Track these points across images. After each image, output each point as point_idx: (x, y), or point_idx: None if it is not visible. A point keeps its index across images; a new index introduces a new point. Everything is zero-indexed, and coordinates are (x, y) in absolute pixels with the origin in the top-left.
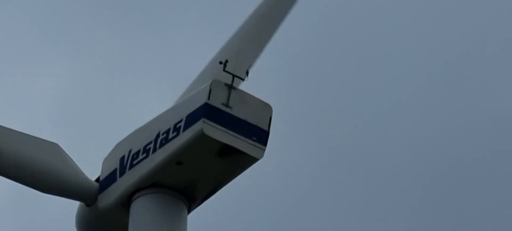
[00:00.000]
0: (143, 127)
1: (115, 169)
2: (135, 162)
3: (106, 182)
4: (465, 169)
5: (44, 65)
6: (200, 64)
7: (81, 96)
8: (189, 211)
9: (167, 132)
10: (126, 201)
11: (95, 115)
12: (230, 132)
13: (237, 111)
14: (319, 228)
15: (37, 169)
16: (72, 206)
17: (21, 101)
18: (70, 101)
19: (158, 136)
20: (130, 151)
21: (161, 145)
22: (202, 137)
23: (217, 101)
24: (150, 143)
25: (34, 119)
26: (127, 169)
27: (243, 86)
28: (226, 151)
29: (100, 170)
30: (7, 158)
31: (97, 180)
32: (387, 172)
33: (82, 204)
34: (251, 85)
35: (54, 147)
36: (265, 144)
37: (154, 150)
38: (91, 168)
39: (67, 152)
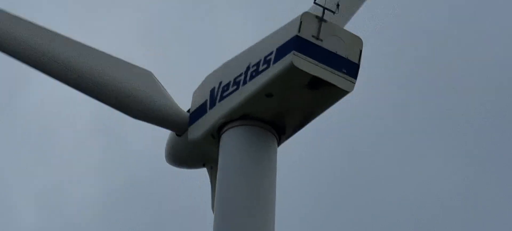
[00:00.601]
0: (233, 59)
1: (206, 101)
2: (225, 93)
3: (196, 113)
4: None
5: None
6: None
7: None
8: (279, 143)
9: (258, 64)
10: (216, 133)
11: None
12: (320, 64)
13: (327, 44)
14: None
15: (131, 95)
16: (160, 134)
17: (112, 32)
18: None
19: (248, 68)
20: (220, 83)
21: (252, 77)
22: (292, 69)
23: (308, 34)
24: (241, 75)
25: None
26: (217, 101)
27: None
28: (316, 83)
29: (190, 102)
30: (106, 84)
31: (189, 111)
32: None
33: (172, 135)
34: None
35: (148, 75)
36: (355, 76)
37: (245, 82)
38: (182, 97)
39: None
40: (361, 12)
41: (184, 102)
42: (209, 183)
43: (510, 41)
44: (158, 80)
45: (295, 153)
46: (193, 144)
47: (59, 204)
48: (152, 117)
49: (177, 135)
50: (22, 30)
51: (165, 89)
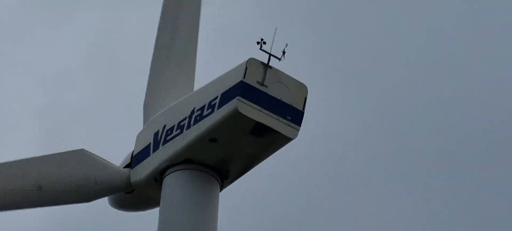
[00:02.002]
0: (178, 103)
1: (149, 144)
2: (169, 137)
3: (139, 156)
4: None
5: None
6: None
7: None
8: (221, 188)
9: (202, 108)
10: (159, 176)
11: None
12: (264, 110)
13: (272, 90)
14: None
15: (69, 189)
16: None
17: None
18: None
19: (192, 112)
20: (164, 126)
21: (196, 122)
22: (236, 114)
23: (253, 80)
24: (185, 119)
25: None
26: (160, 144)
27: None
28: (260, 129)
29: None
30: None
31: (128, 165)
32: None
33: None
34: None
35: (80, 153)
36: (299, 123)
37: (188, 126)
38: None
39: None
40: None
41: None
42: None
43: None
44: (90, 154)
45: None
46: (136, 189)
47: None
48: (96, 195)
49: (126, 193)
50: None
51: (100, 158)
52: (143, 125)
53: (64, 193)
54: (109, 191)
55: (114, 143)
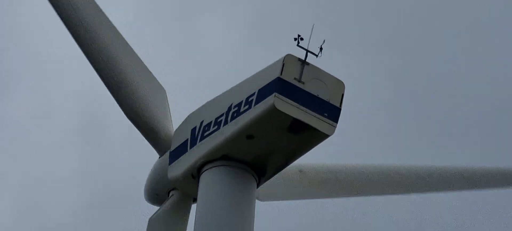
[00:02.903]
0: (215, 98)
1: (186, 140)
2: (206, 133)
3: (176, 152)
4: None
5: None
6: None
7: None
8: (258, 185)
9: (239, 104)
10: (196, 172)
11: None
12: (301, 107)
13: (309, 87)
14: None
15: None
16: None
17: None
18: None
19: (229, 108)
20: (201, 123)
21: (233, 118)
22: (273, 111)
23: (290, 76)
24: (222, 115)
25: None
26: (198, 141)
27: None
28: (297, 126)
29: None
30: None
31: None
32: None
33: (152, 175)
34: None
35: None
36: (336, 120)
37: (226, 122)
38: None
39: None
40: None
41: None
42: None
43: None
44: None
45: None
46: (173, 185)
47: (36, 210)
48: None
49: (158, 154)
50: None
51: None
52: (143, 136)
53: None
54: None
55: None
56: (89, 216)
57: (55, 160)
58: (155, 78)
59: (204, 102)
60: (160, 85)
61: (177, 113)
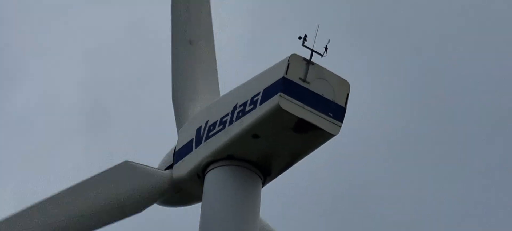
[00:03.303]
0: (220, 98)
1: (191, 140)
2: (211, 133)
3: (182, 152)
4: None
5: None
6: None
7: None
8: (263, 184)
9: (244, 104)
10: (201, 172)
11: None
12: (306, 107)
13: (314, 86)
14: None
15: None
16: None
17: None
18: None
19: (235, 108)
20: (206, 122)
21: (238, 117)
22: (278, 110)
23: (295, 76)
24: (227, 115)
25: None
26: (203, 140)
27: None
28: (302, 126)
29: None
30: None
31: (170, 166)
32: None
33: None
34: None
35: (124, 166)
36: (341, 120)
37: (231, 122)
38: None
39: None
40: None
41: None
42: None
43: None
44: (134, 163)
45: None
46: (179, 185)
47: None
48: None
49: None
50: None
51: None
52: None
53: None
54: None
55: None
56: None
57: (57, 153)
58: (108, 170)
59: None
60: (119, 165)
61: None
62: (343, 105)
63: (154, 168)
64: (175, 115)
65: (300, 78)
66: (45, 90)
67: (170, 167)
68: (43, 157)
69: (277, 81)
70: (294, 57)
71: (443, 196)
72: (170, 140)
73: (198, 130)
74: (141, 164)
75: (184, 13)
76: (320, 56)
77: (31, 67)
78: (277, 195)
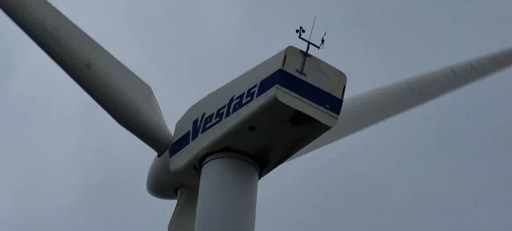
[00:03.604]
0: (217, 90)
1: (188, 132)
2: (208, 125)
3: (178, 144)
4: None
5: None
6: None
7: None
8: (260, 177)
9: (241, 96)
10: (198, 164)
11: None
12: (303, 99)
13: (311, 78)
14: None
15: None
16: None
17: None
18: None
19: (231, 100)
20: (203, 114)
21: (235, 110)
22: (275, 103)
23: (292, 68)
24: (224, 107)
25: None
26: (200, 132)
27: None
28: (299, 118)
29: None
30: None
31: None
32: None
33: (155, 166)
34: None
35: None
36: (338, 112)
37: (227, 114)
38: None
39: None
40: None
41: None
42: (175, 203)
43: None
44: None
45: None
46: (174, 175)
47: (35, 194)
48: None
49: (158, 154)
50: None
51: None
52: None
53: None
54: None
55: None
56: (88, 200)
57: (53, 143)
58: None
59: (202, 82)
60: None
61: (176, 94)
62: (340, 97)
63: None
64: (139, 137)
65: (297, 71)
66: (41, 80)
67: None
68: (39, 148)
69: (274, 73)
70: (291, 49)
71: (444, 179)
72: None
73: (195, 122)
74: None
75: None
76: (317, 49)
77: (26, 57)
78: (276, 185)
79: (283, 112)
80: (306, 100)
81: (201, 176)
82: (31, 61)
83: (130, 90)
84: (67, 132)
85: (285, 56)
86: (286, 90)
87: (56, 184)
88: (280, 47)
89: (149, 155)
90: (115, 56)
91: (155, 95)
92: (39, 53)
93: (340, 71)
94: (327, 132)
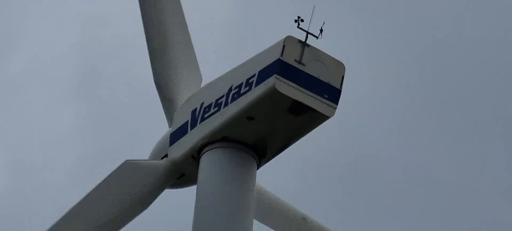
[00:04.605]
0: (215, 80)
1: (187, 122)
2: (206, 115)
3: (177, 133)
4: None
5: None
6: None
7: None
8: (258, 166)
9: (240, 86)
10: (196, 154)
11: None
12: (302, 88)
13: (309, 68)
14: None
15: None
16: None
17: None
18: None
19: (230, 90)
20: (202, 104)
21: (233, 99)
22: (273, 92)
23: (290, 58)
24: (222, 96)
25: None
26: (198, 122)
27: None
28: (297, 107)
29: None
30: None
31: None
32: None
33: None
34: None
35: (125, 167)
36: (337, 102)
37: (226, 104)
38: None
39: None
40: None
41: None
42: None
43: None
44: (133, 161)
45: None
46: (174, 167)
47: (32, 170)
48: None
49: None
50: None
51: (144, 162)
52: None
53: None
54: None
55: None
56: (84, 175)
57: (50, 118)
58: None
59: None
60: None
61: None
62: (338, 87)
63: (153, 161)
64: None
65: (295, 60)
66: (38, 53)
67: (166, 156)
68: (34, 122)
69: (273, 63)
70: (289, 39)
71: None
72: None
73: (193, 112)
74: (139, 160)
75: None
76: (316, 38)
77: (23, 31)
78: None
79: (282, 102)
80: (304, 90)
81: (199, 165)
82: (28, 36)
83: (115, 194)
84: (62, 105)
85: (284, 46)
86: (284, 80)
87: (54, 158)
88: (279, 37)
89: (146, 130)
90: None
91: None
92: (36, 28)
93: (339, 61)
94: None
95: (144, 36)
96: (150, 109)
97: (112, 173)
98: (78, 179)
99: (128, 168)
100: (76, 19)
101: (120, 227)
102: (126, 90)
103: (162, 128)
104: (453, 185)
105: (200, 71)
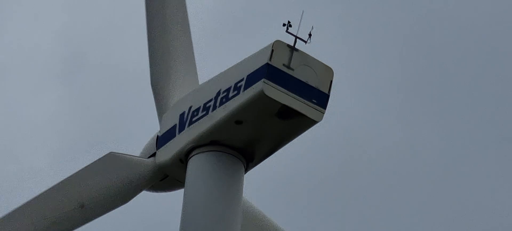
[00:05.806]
0: (204, 84)
1: (175, 125)
2: (194, 118)
3: (165, 137)
4: None
5: None
6: None
7: None
8: (246, 170)
9: (228, 90)
10: (184, 157)
11: None
12: (290, 93)
13: (298, 73)
14: None
15: (108, 196)
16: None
17: None
18: None
19: (218, 94)
20: (190, 108)
21: (221, 103)
22: (262, 97)
23: (279, 62)
24: (210, 100)
25: None
26: (186, 126)
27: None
28: (286, 112)
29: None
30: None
31: (154, 155)
32: None
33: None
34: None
35: (109, 158)
36: (325, 106)
37: (214, 108)
38: None
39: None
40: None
41: None
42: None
43: None
44: (118, 154)
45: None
46: (161, 170)
47: (13, 156)
48: (134, 191)
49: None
50: None
51: (128, 156)
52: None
53: (105, 201)
54: (144, 186)
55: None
56: (66, 161)
57: (31, 103)
58: (95, 162)
59: None
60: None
61: None
62: (326, 92)
63: (138, 157)
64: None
65: (284, 65)
66: (20, 39)
67: (153, 155)
68: (17, 106)
69: (261, 67)
70: (278, 43)
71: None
72: (148, 94)
73: (182, 115)
74: (125, 154)
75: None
76: (304, 43)
77: (6, 17)
78: (264, 177)
79: (270, 107)
80: (293, 95)
81: (187, 169)
82: (11, 22)
83: (99, 178)
84: (46, 89)
85: (272, 50)
86: (273, 84)
87: (35, 144)
88: (267, 41)
89: (128, 117)
90: None
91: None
92: (19, 13)
93: (327, 66)
94: None
95: (129, 21)
96: (133, 95)
97: (95, 161)
98: (60, 165)
99: (111, 160)
100: (60, 4)
101: (94, 217)
102: (110, 76)
103: (146, 114)
104: (447, 187)
105: (198, 78)
